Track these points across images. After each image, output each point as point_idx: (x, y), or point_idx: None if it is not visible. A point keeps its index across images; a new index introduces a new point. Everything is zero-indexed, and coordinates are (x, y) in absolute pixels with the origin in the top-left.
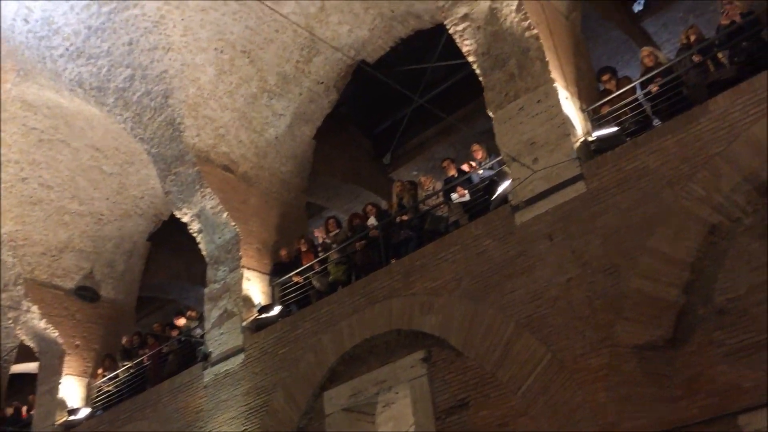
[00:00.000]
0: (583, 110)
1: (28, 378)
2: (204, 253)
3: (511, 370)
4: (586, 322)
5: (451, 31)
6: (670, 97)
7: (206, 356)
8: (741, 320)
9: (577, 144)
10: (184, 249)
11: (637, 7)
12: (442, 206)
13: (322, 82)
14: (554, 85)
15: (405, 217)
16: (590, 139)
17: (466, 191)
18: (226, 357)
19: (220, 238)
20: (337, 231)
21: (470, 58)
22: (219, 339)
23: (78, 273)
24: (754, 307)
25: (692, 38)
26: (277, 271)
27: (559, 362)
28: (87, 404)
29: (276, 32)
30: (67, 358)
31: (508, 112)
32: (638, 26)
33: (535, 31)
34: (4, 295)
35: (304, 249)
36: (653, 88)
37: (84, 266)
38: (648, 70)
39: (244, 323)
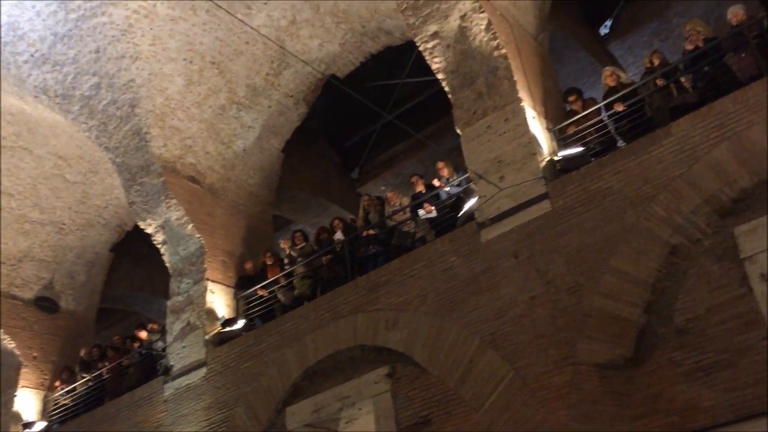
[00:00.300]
0: (549, 130)
1: None
2: (168, 264)
3: (474, 387)
4: (549, 340)
5: (421, 49)
6: (635, 118)
7: (167, 370)
8: (700, 340)
9: (543, 163)
10: (147, 260)
11: (604, 30)
12: (409, 222)
13: (292, 96)
14: (522, 104)
15: (372, 232)
16: (556, 158)
17: (433, 207)
18: (187, 371)
19: (184, 249)
20: (303, 244)
21: (440, 76)
22: (181, 352)
23: (37, 283)
24: (713, 328)
25: (656, 62)
26: (241, 284)
27: (522, 380)
28: (43, 418)
29: (246, 44)
30: (23, 370)
31: (476, 129)
32: (604, 49)
33: (503, 51)
34: None
35: (269, 262)
36: (618, 106)
37: (44, 276)
38: (611, 89)
39: (207, 337)
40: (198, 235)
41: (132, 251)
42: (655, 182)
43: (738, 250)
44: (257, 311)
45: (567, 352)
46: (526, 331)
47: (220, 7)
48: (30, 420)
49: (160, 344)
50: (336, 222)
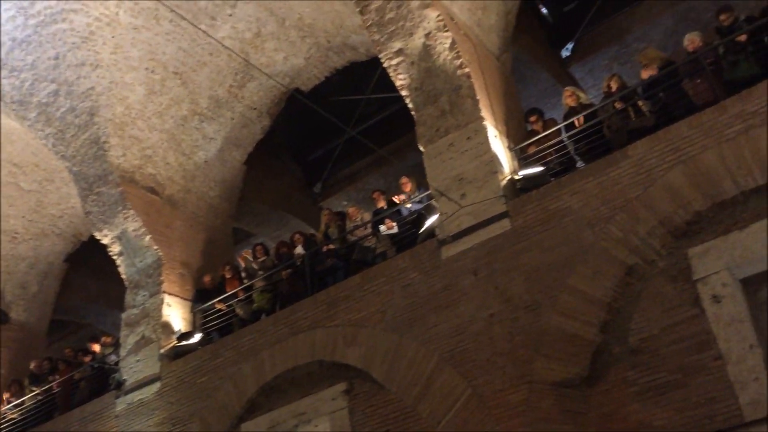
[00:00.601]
0: (510, 149)
1: None
2: (124, 276)
3: (432, 404)
4: (506, 358)
5: (385, 65)
6: (594, 140)
7: (120, 384)
8: (653, 360)
9: (504, 182)
10: (102, 271)
11: (565, 53)
12: (370, 237)
13: (255, 108)
14: (484, 123)
15: (332, 246)
16: (516, 177)
17: (395, 224)
18: (141, 385)
19: (141, 261)
20: (264, 258)
21: (403, 93)
22: (135, 366)
23: None
24: (666, 348)
25: (614, 86)
26: (199, 297)
27: (479, 397)
28: None
29: (210, 55)
30: None
31: (439, 147)
32: (566, 71)
33: (467, 70)
34: None
35: (228, 276)
36: (578, 121)
37: None
38: (571, 109)
39: (162, 350)
40: (155, 247)
41: (88, 262)
42: (613, 203)
43: (691, 271)
44: (215, 325)
45: (524, 370)
46: (484, 349)
47: (184, 18)
48: None
49: (113, 358)
50: (297, 236)
